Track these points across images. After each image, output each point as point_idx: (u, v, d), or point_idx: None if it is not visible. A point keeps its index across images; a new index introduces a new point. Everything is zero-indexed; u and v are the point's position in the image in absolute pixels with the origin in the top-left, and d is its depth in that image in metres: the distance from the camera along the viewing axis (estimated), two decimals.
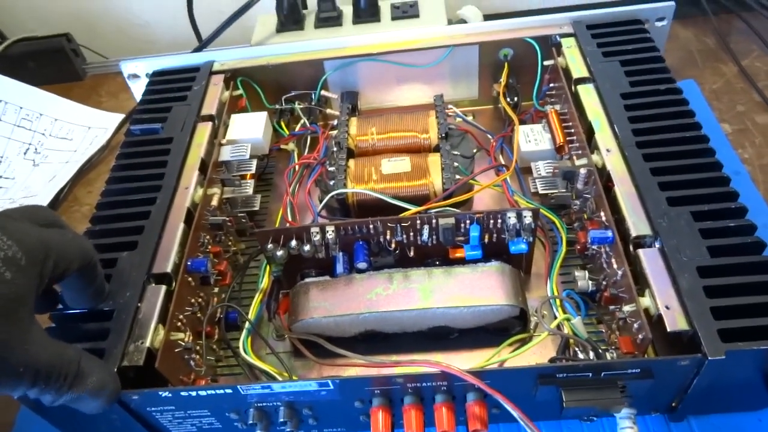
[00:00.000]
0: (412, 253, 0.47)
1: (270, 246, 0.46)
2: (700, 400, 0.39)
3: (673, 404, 0.40)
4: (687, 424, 0.41)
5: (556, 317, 0.44)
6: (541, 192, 0.52)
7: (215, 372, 0.47)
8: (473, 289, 0.44)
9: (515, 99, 0.60)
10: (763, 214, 0.52)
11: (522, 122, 0.59)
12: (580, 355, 0.40)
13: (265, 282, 0.50)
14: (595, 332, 0.45)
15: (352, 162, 0.52)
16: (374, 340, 0.46)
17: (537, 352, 0.44)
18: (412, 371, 0.37)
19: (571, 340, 0.41)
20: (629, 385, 0.36)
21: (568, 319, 0.42)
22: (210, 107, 0.57)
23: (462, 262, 0.46)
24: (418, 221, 0.45)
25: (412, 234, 0.45)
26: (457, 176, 0.49)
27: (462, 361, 0.45)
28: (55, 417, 0.41)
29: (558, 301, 0.44)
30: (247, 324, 0.47)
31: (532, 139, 0.56)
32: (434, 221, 0.45)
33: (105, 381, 0.35)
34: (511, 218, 0.44)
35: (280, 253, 0.45)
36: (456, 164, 0.50)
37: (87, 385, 0.34)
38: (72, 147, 0.73)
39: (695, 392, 0.38)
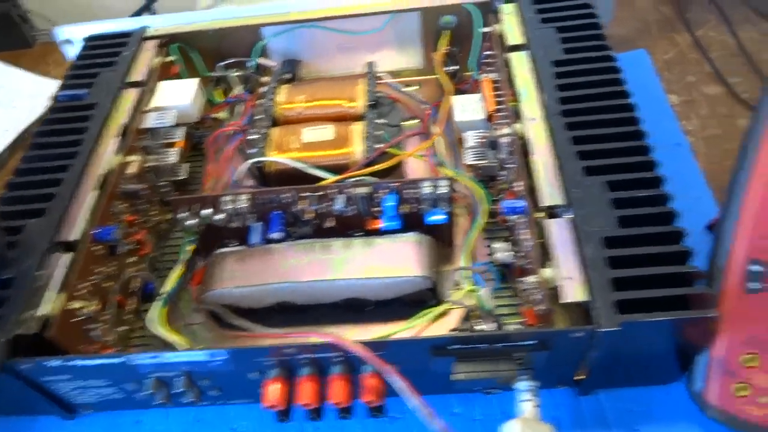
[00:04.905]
0: (330, 224, 0.45)
1: (184, 214, 0.45)
2: (606, 373, 0.38)
3: (576, 377, 0.39)
4: (595, 398, 0.40)
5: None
6: (469, 162, 0.50)
7: (127, 343, 0.46)
8: (388, 260, 0.43)
9: (455, 68, 0.58)
10: (698, 187, 0.51)
11: (462, 91, 0.57)
12: (484, 327, 0.39)
13: (187, 252, 0.49)
14: (512, 305, 0.44)
15: (276, 130, 0.50)
16: (290, 312, 0.45)
17: (454, 324, 0.43)
18: (302, 342, 0.36)
19: (475, 312, 0.40)
20: (527, 356, 0.35)
21: (474, 291, 0.41)
22: (138, 73, 0.55)
23: (380, 233, 0.45)
24: (334, 190, 0.44)
25: (327, 204, 0.44)
26: (379, 145, 0.47)
27: (376, 334, 0.44)
28: None
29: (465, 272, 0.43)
30: (164, 295, 0.46)
31: (469, 108, 0.54)
32: (350, 191, 0.43)
33: None
34: (426, 188, 0.43)
35: (192, 221, 0.44)
36: (380, 133, 0.49)
37: None
38: (15, 115, 0.71)
39: (599, 365, 0.37)
